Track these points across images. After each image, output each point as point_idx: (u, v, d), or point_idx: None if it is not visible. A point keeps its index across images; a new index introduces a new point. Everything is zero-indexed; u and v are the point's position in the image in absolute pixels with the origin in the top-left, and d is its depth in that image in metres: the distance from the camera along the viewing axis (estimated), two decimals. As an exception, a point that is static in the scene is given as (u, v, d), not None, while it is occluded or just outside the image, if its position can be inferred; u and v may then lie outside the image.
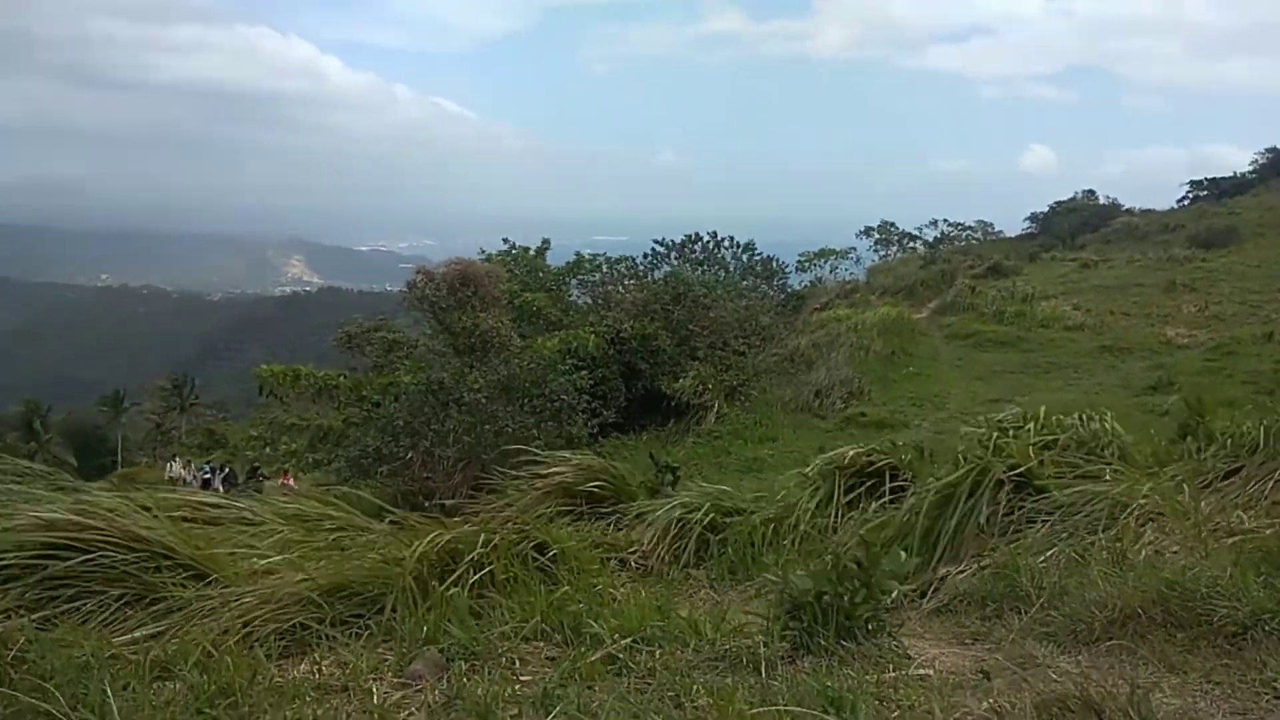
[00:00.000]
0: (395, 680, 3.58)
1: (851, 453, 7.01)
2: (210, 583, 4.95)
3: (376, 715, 3.12)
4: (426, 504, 10.91)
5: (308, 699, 3.24)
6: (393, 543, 5.07)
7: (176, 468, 35.18)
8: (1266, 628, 3.25)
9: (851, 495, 6.70)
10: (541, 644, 3.83)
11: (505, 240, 34.48)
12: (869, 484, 6.75)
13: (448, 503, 10.58)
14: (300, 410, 28.93)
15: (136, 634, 4.46)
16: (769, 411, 23.62)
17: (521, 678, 3.44)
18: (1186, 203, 64.75)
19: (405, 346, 26.79)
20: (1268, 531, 4.22)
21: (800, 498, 6.89)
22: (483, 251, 33.85)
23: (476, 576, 4.62)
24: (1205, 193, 65.80)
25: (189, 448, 56.48)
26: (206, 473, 30.06)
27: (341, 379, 26.72)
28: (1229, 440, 5.85)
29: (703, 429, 22.68)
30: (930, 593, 4.61)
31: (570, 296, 32.47)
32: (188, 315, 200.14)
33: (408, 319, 29.41)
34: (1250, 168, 67.99)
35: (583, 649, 3.56)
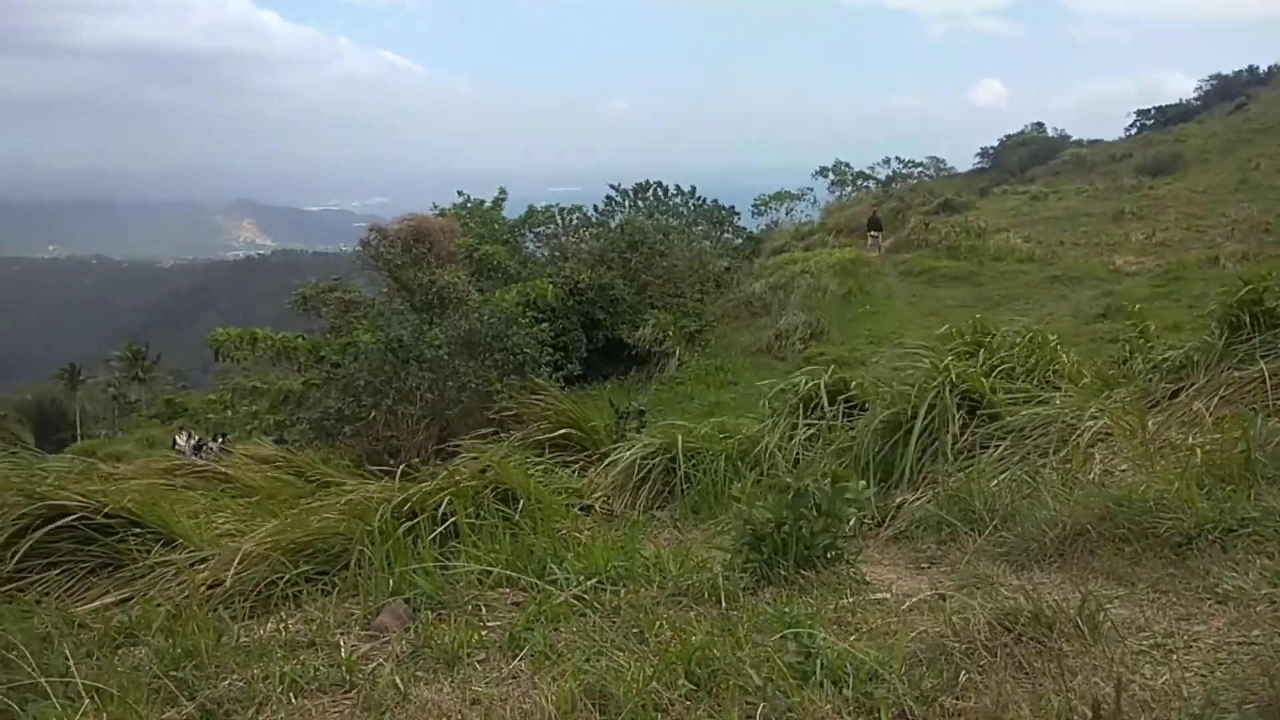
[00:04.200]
0: (362, 633, 3.60)
1: (806, 382, 7.12)
2: (176, 547, 4.94)
3: (344, 668, 3.13)
4: (392, 462, 10.88)
5: (275, 656, 3.25)
6: (358, 498, 5.06)
7: (182, 441, 33.97)
8: (1209, 537, 3.36)
9: (813, 429, 6.80)
10: (507, 590, 3.86)
11: (460, 193, 34.09)
12: (830, 416, 6.84)
13: (414, 460, 10.57)
14: (260, 374, 28.60)
15: (101, 602, 4.45)
16: (729, 355, 23.76)
17: (488, 623, 3.47)
18: (1134, 132, 65.39)
19: (362, 306, 26.50)
20: (1210, 447, 4.34)
21: (762, 431, 6.98)
22: (435, 206, 33.44)
23: (442, 528, 4.65)
24: (1151, 121, 66.48)
25: (148, 417, 55.58)
26: (213, 443, 29.45)
27: (300, 340, 26.42)
28: (1173, 361, 5.98)
29: (665, 376, 22.79)
30: (888, 520, 4.71)
31: (526, 249, 32.28)
32: (139, 284, 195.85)
33: (363, 278, 29.06)
34: (1195, 95, 68.81)
35: (548, 592, 3.60)
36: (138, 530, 4.99)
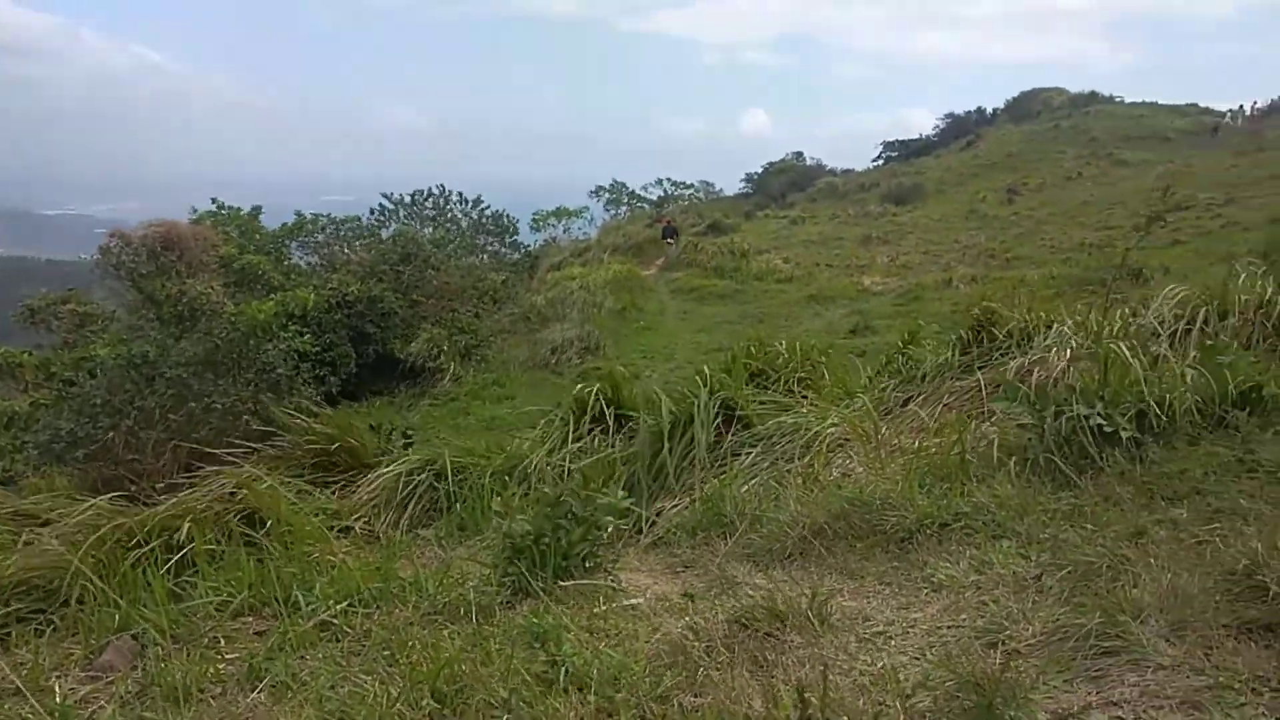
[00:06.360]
0: (82, 674, 3.29)
1: (581, 394, 7.22)
2: None
3: (58, 714, 2.84)
4: (133, 488, 10.00)
5: (-27, 706, 2.90)
6: (78, 529, 4.61)
7: None
8: (928, 531, 3.68)
9: (583, 442, 6.88)
10: (250, 619, 3.65)
11: (214, 200, 32.00)
12: (601, 428, 6.96)
13: (158, 485, 9.73)
14: (-21, 395, 25.47)
15: None
16: (506, 370, 23.66)
17: (227, 655, 3.26)
18: (881, 163, 71.10)
19: (100, 319, 24.24)
20: (932, 450, 4.76)
21: (533, 445, 6.99)
22: (194, 210, 31.28)
23: (178, 556, 4.32)
24: (896, 154, 72.62)
25: None
26: None
27: (26, 356, 23.79)
28: (905, 372, 6.53)
29: (439, 391, 22.34)
30: (648, 527, 4.84)
31: (291, 260, 30.71)
32: None
33: (104, 289, 26.58)
34: (934, 131, 75.87)
35: (294, 619, 3.43)
36: None
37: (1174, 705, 2.19)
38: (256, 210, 32.16)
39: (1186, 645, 2.39)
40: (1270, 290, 5.67)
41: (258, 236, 29.69)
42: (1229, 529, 3.06)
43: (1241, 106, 56.95)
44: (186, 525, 4.44)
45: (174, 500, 4.76)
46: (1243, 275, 5.86)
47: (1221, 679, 2.23)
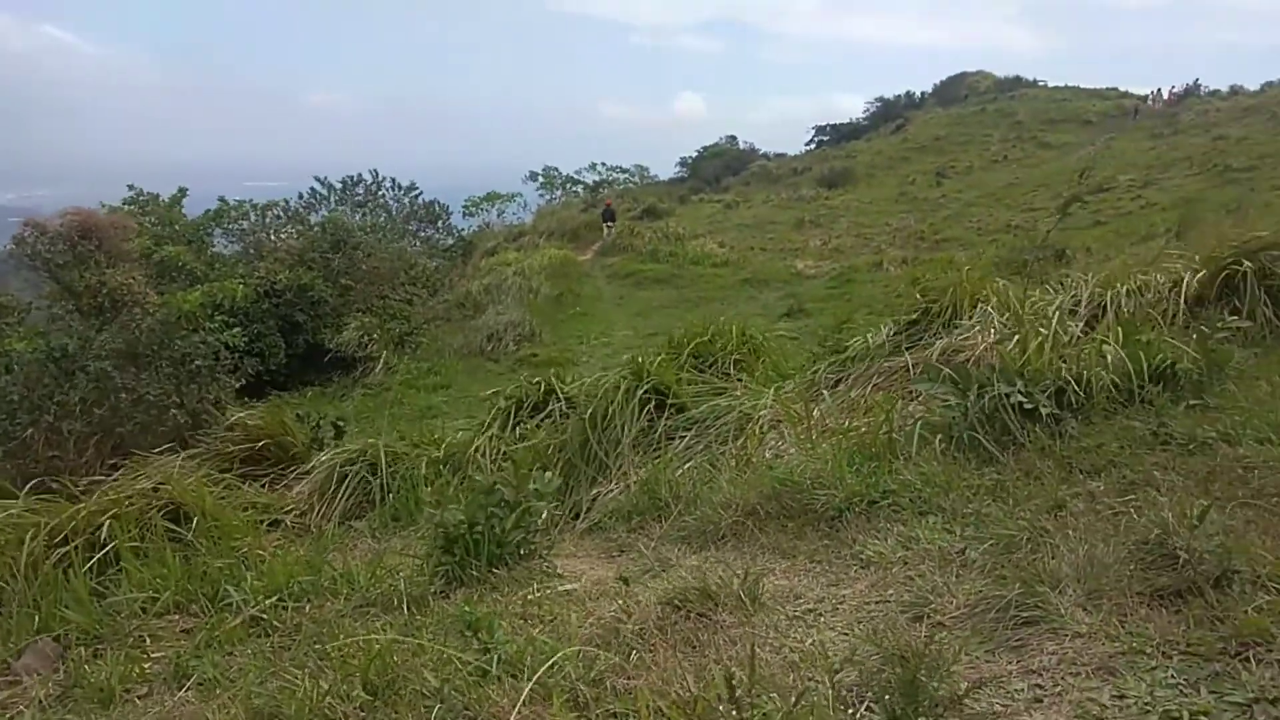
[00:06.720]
0: (0, 679, 3.20)
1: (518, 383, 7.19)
2: None
3: (-29, 722, 2.75)
4: (54, 485, 9.67)
5: (-122, 718, 2.79)
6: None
7: None
8: (857, 509, 3.75)
9: (521, 429, 6.86)
10: (177, 616, 3.57)
11: (131, 188, 30.91)
12: (539, 416, 6.94)
13: (82, 482, 9.43)
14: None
15: None
16: (441, 358, 23.40)
17: (153, 654, 3.19)
18: (813, 147, 71.78)
19: (15, 312, 23.33)
20: (862, 429, 4.84)
21: (470, 434, 6.95)
22: (103, 205, 30.17)
23: (100, 554, 4.21)
24: (828, 138, 73.39)
25: None
26: None
27: (-65, 353, 22.82)
28: (834, 353, 6.62)
29: (372, 380, 22.00)
30: (584, 513, 4.85)
31: (214, 248, 29.85)
32: None
33: (19, 280, 25.58)
34: (864, 115, 76.80)
35: (223, 616, 3.37)
36: None
37: (1090, 671, 2.27)
38: (182, 193, 31.16)
39: (1102, 613, 2.48)
40: (1184, 270, 5.87)
41: (177, 226, 28.80)
42: (1143, 500, 3.17)
43: (1159, 90, 58.78)
44: (109, 522, 4.31)
45: (96, 496, 4.62)
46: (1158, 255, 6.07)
47: (1134, 644, 2.32)
